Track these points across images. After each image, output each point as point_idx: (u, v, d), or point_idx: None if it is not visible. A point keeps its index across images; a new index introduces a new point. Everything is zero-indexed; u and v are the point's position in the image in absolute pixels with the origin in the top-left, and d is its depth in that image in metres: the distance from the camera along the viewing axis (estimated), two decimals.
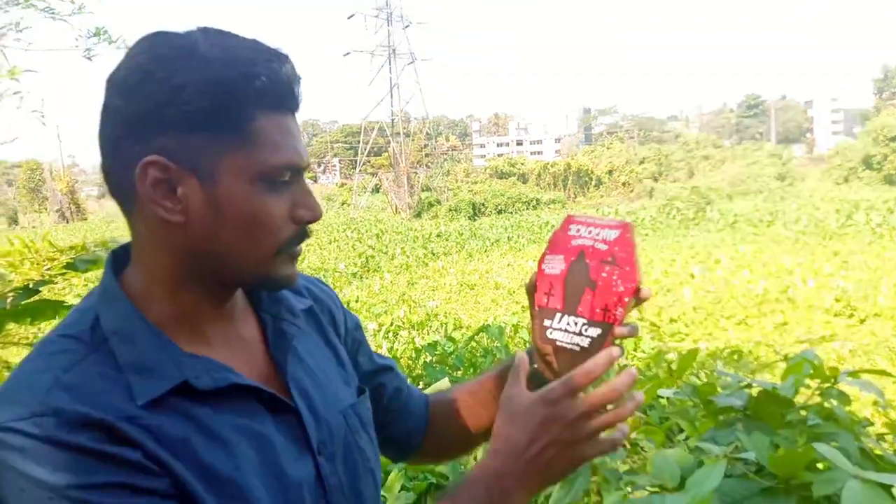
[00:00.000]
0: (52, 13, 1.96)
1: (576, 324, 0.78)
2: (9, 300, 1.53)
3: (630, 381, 0.72)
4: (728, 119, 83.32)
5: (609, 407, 0.73)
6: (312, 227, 0.79)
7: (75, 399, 0.64)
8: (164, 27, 0.75)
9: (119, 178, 0.72)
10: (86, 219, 44.26)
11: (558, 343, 0.79)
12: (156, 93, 0.68)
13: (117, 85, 0.70)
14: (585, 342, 0.77)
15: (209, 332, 0.78)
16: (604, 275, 0.77)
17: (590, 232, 0.81)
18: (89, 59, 2.07)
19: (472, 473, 0.76)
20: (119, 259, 0.78)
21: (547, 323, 0.80)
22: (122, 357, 0.69)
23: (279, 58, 0.73)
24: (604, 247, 0.79)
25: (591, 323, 0.77)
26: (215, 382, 0.72)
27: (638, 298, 0.78)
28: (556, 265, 0.81)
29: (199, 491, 0.67)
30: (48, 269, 1.58)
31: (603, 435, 0.74)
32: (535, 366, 0.87)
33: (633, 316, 0.83)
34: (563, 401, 0.72)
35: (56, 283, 1.63)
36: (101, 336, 0.70)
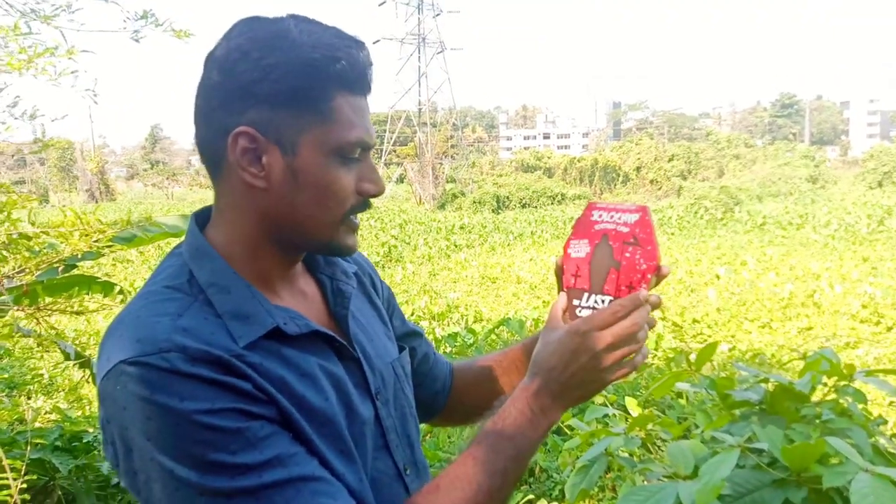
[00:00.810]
0: None
1: (602, 301, 0.84)
2: (59, 270, 1.60)
3: (643, 308, 0.81)
4: (761, 118, 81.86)
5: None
6: (374, 202, 0.88)
7: (194, 338, 0.72)
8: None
9: (211, 146, 0.80)
10: (114, 199, 45.01)
11: None
12: (250, 70, 0.75)
13: (216, 62, 0.78)
14: None
15: (280, 288, 0.87)
16: (627, 255, 0.84)
17: (611, 216, 0.87)
18: (136, 40, 2.14)
19: (514, 393, 0.84)
20: (199, 221, 0.87)
21: (576, 302, 0.86)
22: (221, 306, 0.77)
23: (357, 44, 0.80)
24: (625, 229, 0.85)
25: (617, 300, 0.83)
26: (300, 328, 0.81)
27: (658, 275, 0.85)
28: (581, 249, 0.87)
29: (298, 419, 0.75)
30: (96, 242, 1.65)
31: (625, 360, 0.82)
32: None
33: (654, 314, 0.88)
34: (591, 333, 0.80)
35: (104, 254, 1.71)
36: (198, 288, 0.79)
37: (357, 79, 0.80)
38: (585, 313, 0.85)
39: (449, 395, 1.15)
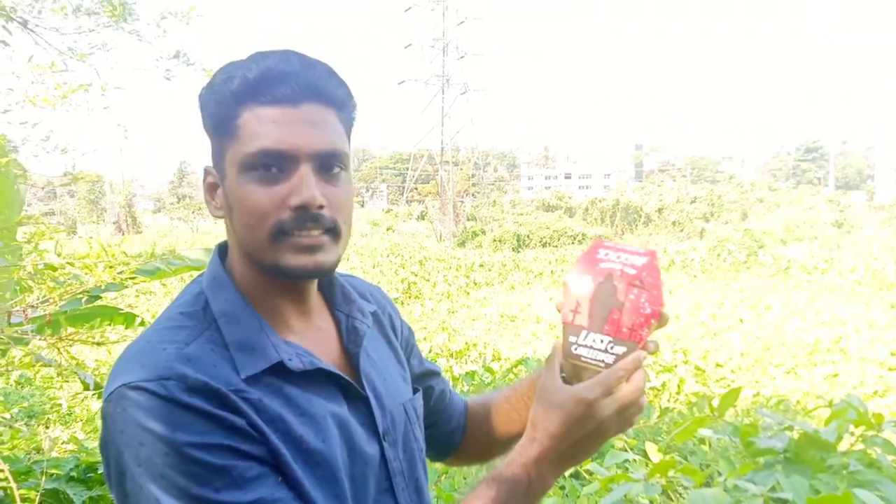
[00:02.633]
0: (139, 36, 2.11)
1: (602, 341, 0.82)
2: (83, 300, 1.63)
3: (643, 369, 0.79)
4: (785, 162, 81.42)
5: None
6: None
7: (196, 368, 0.72)
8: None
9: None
10: (140, 232, 45.85)
11: (583, 359, 0.83)
12: (201, 109, 0.82)
13: None
14: (610, 359, 0.81)
15: (294, 321, 0.87)
16: (631, 296, 0.81)
17: (618, 257, 0.85)
18: (168, 79, 2.21)
19: (511, 457, 0.81)
20: (222, 251, 0.89)
21: (572, 339, 0.84)
22: (229, 336, 0.78)
23: (281, 56, 0.79)
24: (632, 271, 0.83)
25: (616, 341, 0.81)
26: (304, 366, 0.80)
27: (660, 322, 0.82)
28: (583, 285, 0.85)
29: (290, 461, 0.75)
30: (120, 273, 1.68)
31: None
32: (564, 374, 0.91)
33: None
34: (598, 402, 0.77)
35: (127, 286, 1.73)
36: (211, 317, 0.80)
37: (266, 89, 0.77)
38: (582, 351, 0.82)
39: (464, 432, 1.14)
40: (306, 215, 0.78)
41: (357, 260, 23.11)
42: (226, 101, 0.79)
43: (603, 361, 0.81)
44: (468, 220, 37.92)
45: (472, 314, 13.27)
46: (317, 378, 0.82)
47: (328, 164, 0.81)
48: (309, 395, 0.80)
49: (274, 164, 0.78)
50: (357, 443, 0.83)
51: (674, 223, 37.77)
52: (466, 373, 6.21)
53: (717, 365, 8.71)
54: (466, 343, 9.68)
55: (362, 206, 73.27)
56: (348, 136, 0.86)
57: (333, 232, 0.82)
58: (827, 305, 13.10)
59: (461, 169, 47.90)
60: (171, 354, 0.73)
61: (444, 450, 1.14)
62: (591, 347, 0.82)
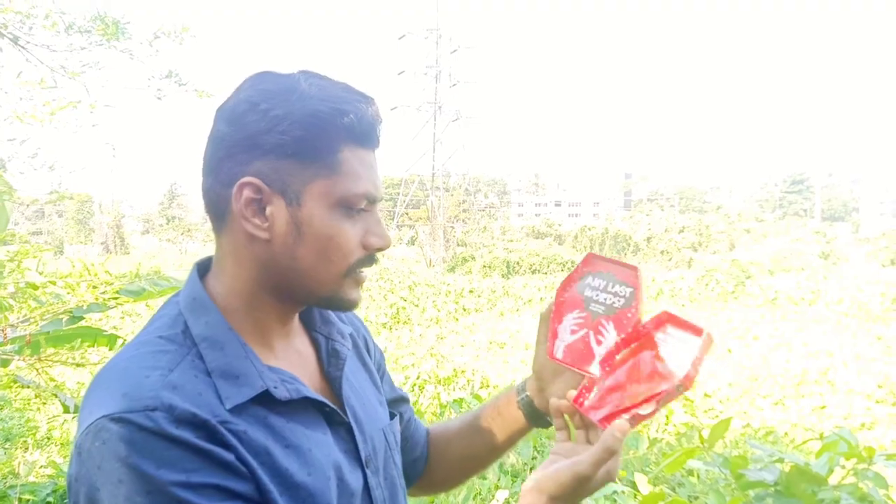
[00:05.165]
0: (131, 55, 2.10)
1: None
2: (64, 320, 1.59)
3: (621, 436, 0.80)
4: (772, 194, 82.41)
5: None
6: (379, 255, 0.86)
7: (183, 397, 0.68)
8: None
9: (216, 195, 0.79)
10: (128, 253, 45.53)
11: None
12: (258, 121, 0.76)
13: (225, 113, 0.79)
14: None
15: (277, 345, 0.84)
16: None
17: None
18: (159, 98, 2.20)
19: None
20: (201, 270, 0.84)
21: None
22: (211, 362, 0.74)
23: (367, 99, 0.81)
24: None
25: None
26: (290, 394, 0.77)
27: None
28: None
29: (276, 497, 0.71)
30: (103, 293, 1.65)
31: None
32: (528, 394, 0.99)
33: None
34: (595, 477, 0.79)
35: (111, 307, 1.70)
36: (191, 341, 0.76)
37: (364, 133, 0.80)
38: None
39: (427, 461, 1.11)
40: (375, 257, 0.83)
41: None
42: (328, 131, 0.77)
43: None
44: (458, 245, 38.00)
45: (461, 340, 13.20)
46: (301, 406, 0.79)
47: None
48: (293, 424, 0.77)
49: (364, 206, 0.81)
50: (343, 472, 0.80)
51: (662, 252, 38.00)
52: (454, 400, 6.15)
53: (706, 395, 8.68)
54: (454, 369, 9.60)
55: None
56: None
57: None
58: (814, 336, 13.15)
59: (452, 195, 48.10)
60: (155, 382, 0.68)
61: (407, 479, 1.09)
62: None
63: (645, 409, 0.80)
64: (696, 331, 0.82)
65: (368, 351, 1.02)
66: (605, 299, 0.89)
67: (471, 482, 3.88)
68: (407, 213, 51.66)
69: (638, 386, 0.82)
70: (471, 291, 22.07)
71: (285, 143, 0.76)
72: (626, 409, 0.81)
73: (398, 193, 43.94)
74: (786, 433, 6.89)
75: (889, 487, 0.99)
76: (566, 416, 0.88)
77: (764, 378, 9.52)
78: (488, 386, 8.74)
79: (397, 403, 1.06)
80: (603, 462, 0.78)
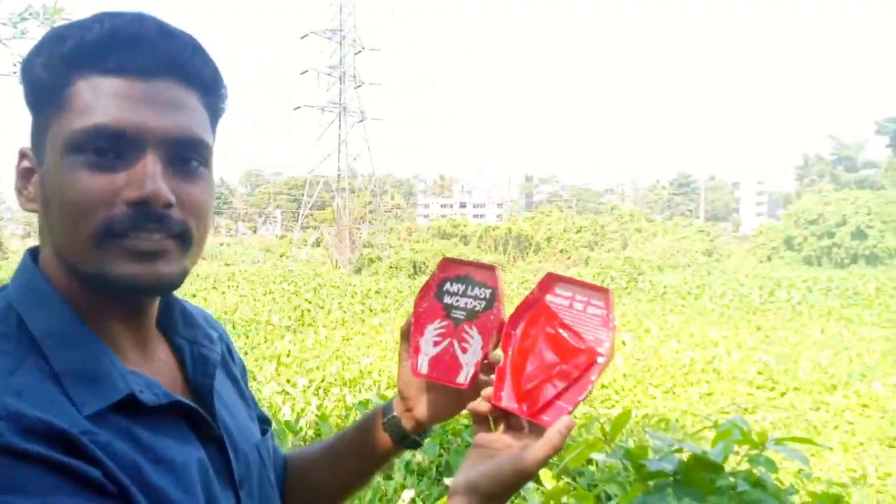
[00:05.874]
0: None
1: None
2: None
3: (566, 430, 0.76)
4: (660, 195, 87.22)
5: None
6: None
7: (33, 405, 0.55)
8: None
9: None
10: (7, 258, 41.92)
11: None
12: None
13: None
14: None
15: (127, 347, 0.70)
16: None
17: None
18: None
19: None
20: (35, 256, 0.70)
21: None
22: (60, 363, 0.61)
23: (122, 17, 0.63)
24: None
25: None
26: (158, 398, 0.65)
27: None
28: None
29: None
30: None
31: None
32: (395, 414, 0.91)
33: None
34: (534, 470, 0.75)
35: None
36: (30, 339, 0.62)
37: (97, 56, 0.62)
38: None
39: (283, 489, 0.99)
40: (147, 214, 0.62)
41: (248, 287, 22.21)
42: (54, 66, 0.62)
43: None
44: (365, 247, 37.67)
45: (368, 341, 13.06)
46: (166, 416, 0.67)
47: (183, 155, 0.65)
48: (161, 436, 0.65)
49: (110, 148, 0.62)
50: (215, 494, 0.69)
51: (561, 251, 39.32)
52: (360, 401, 6.05)
53: (603, 386, 9.03)
54: (361, 371, 9.48)
55: (255, 231, 71.00)
56: (213, 128, 0.71)
57: (182, 238, 0.66)
58: (700, 328, 14.00)
59: (358, 196, 47.63)
60: None
61: None
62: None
63: (581, 392, 0.77)
64: (593, 288, 0.79)
65: (234, 359, 0.91)
66: (466, 304, 0.85)
67: (376, 483, 3.81)
68: (312, 215, 50.66)
69: (559, 365, 0.78)
70: (377, 292, 21.93)
71: (26, 95, 0.65)
72: (559, 395, 0.77)
73: (302, 195, 43.00)
74: (677, 419, 7.27)
75: (778, 470, 1.03)
76: (490, 418, 0.82)
77: (656, 368, 10.02)
78: (395, 386, 8.69)
79: (262, 422, 0.95)
80: (549, 459, 0.74)
